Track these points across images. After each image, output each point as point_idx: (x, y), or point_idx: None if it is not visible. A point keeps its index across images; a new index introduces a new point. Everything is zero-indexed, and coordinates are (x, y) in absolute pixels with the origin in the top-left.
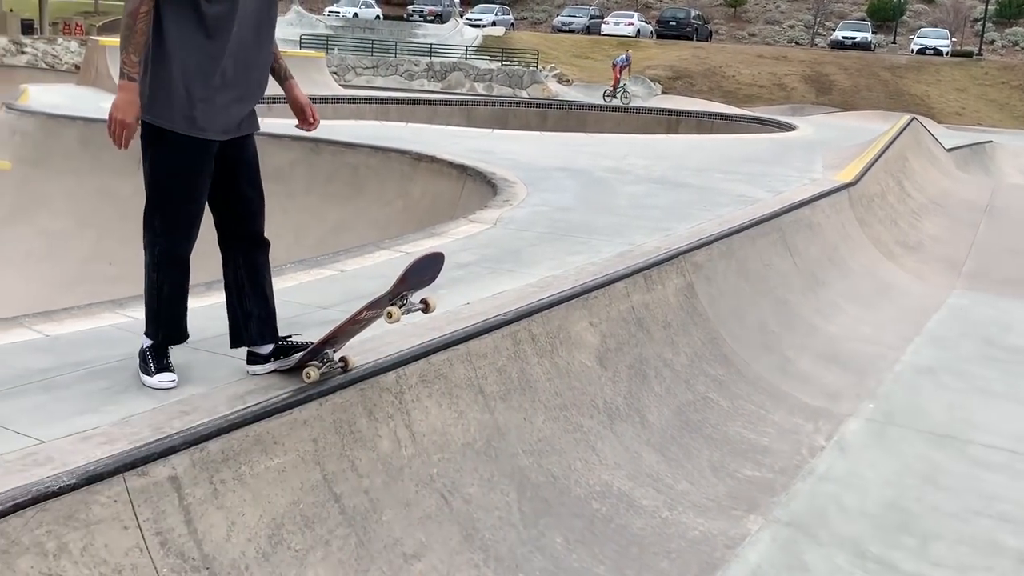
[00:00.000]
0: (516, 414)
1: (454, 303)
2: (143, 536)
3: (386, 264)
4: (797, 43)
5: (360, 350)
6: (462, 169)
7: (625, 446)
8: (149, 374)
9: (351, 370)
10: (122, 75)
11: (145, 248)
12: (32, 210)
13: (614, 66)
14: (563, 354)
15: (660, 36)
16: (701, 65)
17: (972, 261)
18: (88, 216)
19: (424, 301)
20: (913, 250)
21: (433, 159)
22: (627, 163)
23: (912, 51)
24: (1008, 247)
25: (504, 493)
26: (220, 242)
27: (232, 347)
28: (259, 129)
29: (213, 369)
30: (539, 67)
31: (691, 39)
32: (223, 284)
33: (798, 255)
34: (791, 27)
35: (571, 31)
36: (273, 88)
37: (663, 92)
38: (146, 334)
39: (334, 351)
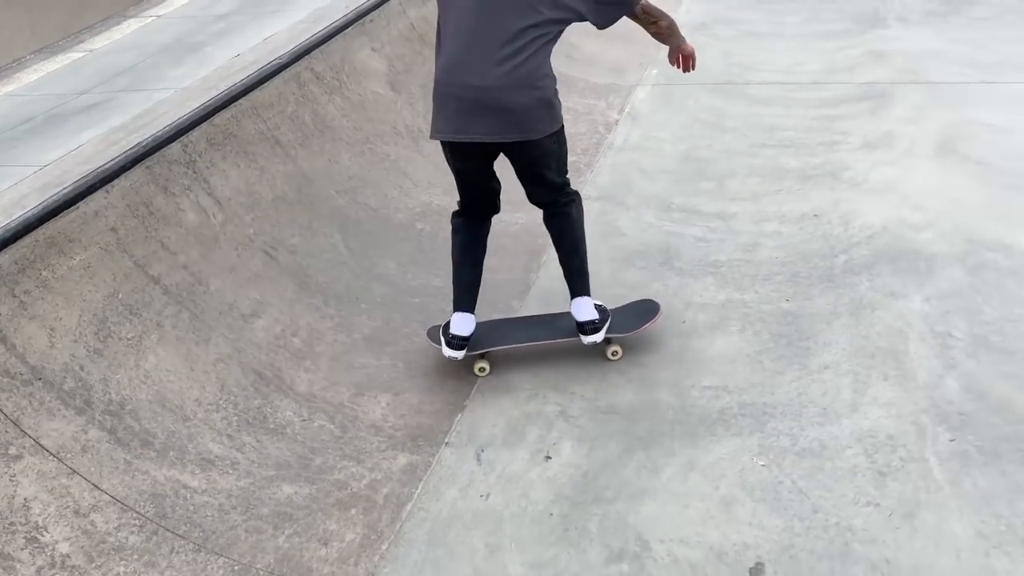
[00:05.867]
0: (320, 158)
1: (223, 58)
2: None
3: (139, 34)
4: None
5: (135, 127)
6: None
7: (435, 164)
8: None
9: None
10: None
11: None
12: None
13: None
14: (353, 87)
15: None
16: None
17: None
18: None
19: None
20: None
21: None
22: None
23: None
24: None
25: (327, 236)
26: None
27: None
28: (525, 137)
29: None
30: None
31: None
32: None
33: None
34: None
35: None
36: None
37: None
38: None
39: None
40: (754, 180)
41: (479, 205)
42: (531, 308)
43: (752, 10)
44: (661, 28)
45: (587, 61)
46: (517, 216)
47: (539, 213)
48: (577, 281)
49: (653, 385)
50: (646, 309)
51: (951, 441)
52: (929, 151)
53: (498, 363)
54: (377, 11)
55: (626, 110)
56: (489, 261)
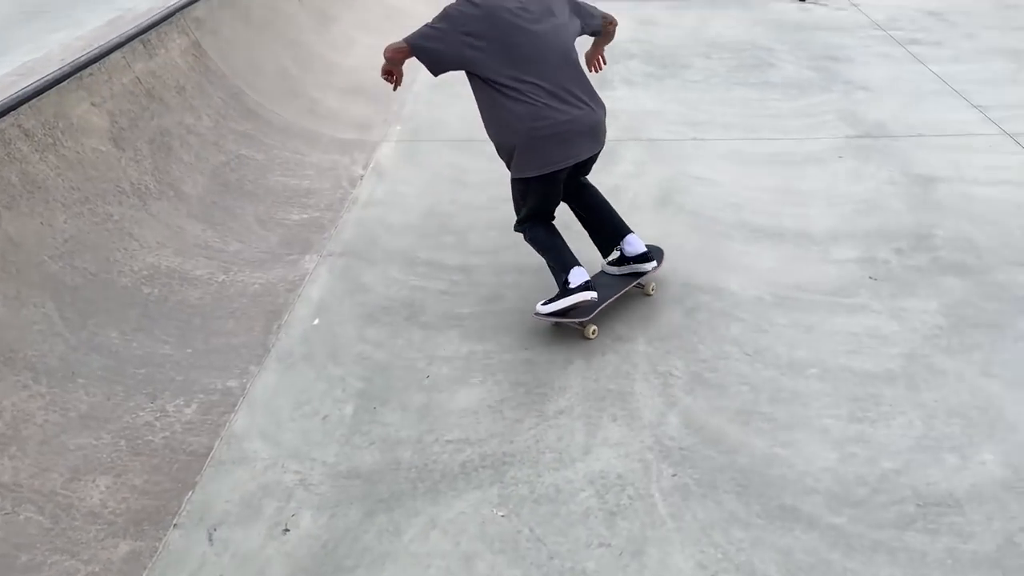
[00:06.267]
0: (30, 221)
1: None
2: None
3: None
4: None
5: None
6: None
7: (165, 223)
8: None
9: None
10: None
11: None
12: None
13: None
14: (69, 144)
15: None
16: None
17: None
18: None
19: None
20: None
21: None
22: None
23: None
24: None
25: (38, 306)
26: None
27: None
28: (603, 143)
29: None
30: None
31: None
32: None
33: None
34: None
35: None
36: None
37: None
38: None
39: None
40: (493, 233)
41: (551, 212)
42: (270, 371)
43: None
44: (613, 27)
45: (331, 117)
46: (256, 275)
47: (281, 272)
48: (621, 220)
49: (396, 444)
50: (656, 250)
51: (673, 476)
52: (651, 203)
53: (232, 435)
54: (97, 64)
55: (371, 166)
56: (225, 324)
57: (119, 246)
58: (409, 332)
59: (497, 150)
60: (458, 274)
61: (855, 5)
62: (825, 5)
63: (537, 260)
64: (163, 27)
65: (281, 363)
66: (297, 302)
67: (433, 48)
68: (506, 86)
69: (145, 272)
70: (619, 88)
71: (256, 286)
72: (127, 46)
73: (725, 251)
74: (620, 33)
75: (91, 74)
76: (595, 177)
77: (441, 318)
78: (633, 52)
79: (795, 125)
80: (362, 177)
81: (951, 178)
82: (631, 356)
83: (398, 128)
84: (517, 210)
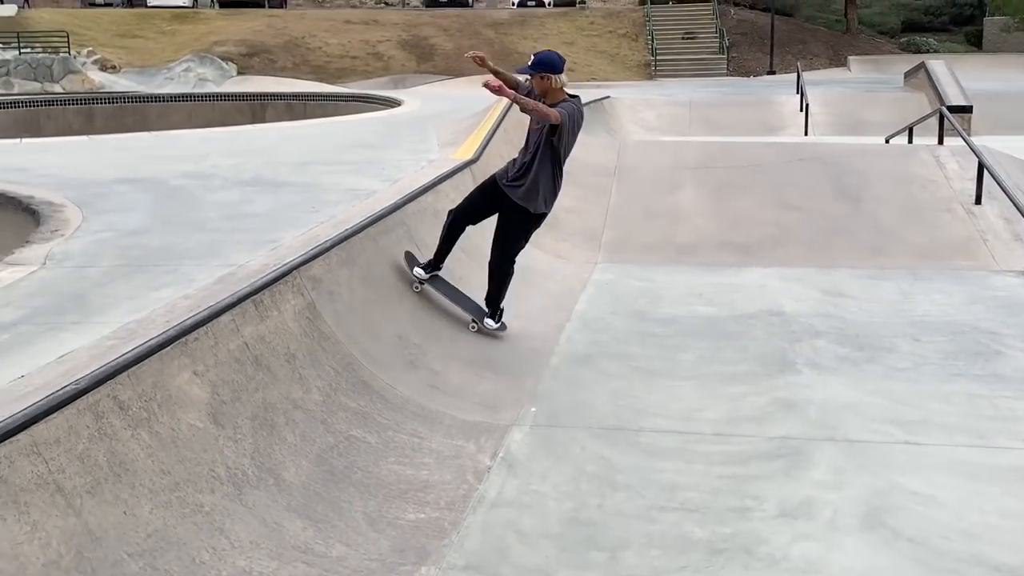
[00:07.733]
0: (112, 509)
1: (2, 380)
2: None
3: None
4: (387, 3)
5: None
6: None
7: (261, 518)
8: None
9: None
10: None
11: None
12: None
13: None
14: (164, 419)
15: (223, 5)
16: (280, 36)
17: (610, 230)
18: None
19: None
20: (550, 227)
21: None
22: (210, 164)
23: (513, 4)
24: (643, 210)
25: None
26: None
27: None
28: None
29: None
30: (72, 52)
31: (262, 6)
32: None
33: (428, 249)
34: None
35: (108, 4)
36: None
37: (239, 73)
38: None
39: None
40: (654, 553)
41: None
42: None
43: (642, 344)
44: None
45: (455, 393)
46: None
47: None
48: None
49: None
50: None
51: None
52: (855, 524)
53: None
54: (204, 328)
55: (500, 455)
56: None
57: (207, 544)
58: None
59: (528, 194)
60: None
61: None
62: None
63: None
64: (277, 286)
65: None
66: None
67: (568, 123)
68: (558, 167)
69: None
70: (804, 372)
71: None
72: (238, 307)
73: None
74: (802, 306)
75: (196, 339)
76: (778, 485)
77: None
78: (820, 329)
79: None
80: (489, 469)
81: None
82: None
83: (532, 410)
84: (504, 246)
